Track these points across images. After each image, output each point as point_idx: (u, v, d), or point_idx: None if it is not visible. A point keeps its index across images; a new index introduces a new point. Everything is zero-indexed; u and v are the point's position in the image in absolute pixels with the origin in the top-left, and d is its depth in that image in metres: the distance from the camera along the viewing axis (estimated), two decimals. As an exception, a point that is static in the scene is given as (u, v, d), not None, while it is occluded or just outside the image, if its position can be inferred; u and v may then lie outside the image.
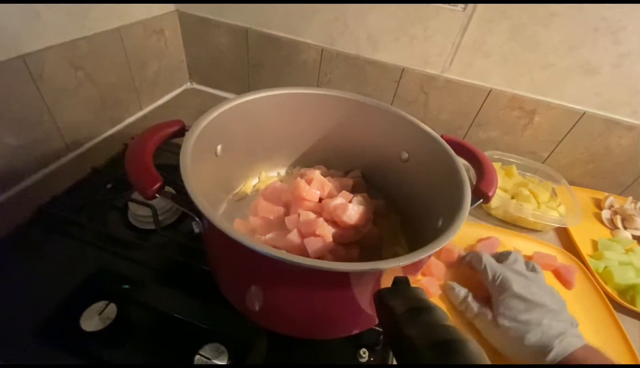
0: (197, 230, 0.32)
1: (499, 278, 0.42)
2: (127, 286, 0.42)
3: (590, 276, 0.54)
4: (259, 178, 0.54)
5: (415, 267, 0.34)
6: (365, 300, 0.34)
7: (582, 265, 0.56)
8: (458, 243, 0.54)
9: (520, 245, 0.58)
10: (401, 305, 0.24)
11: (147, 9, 0.69)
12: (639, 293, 0.52)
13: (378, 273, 0.30)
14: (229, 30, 0.76)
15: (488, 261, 0.45)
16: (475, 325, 0.44)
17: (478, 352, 0.20)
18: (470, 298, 0.44)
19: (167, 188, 0.46)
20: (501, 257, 0.47)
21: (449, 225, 0.31)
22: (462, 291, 0.45)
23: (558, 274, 0.54)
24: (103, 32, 0.60)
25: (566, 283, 0.53)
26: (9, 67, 0.47)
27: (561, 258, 0.57)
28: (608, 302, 0.50)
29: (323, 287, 0.31)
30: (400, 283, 0.26)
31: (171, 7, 0.75)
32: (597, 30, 0.56)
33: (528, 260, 0.54)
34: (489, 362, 0.20)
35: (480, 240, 0.56)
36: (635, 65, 0.58)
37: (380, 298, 0.25)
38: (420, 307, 0.24)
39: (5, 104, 0.48)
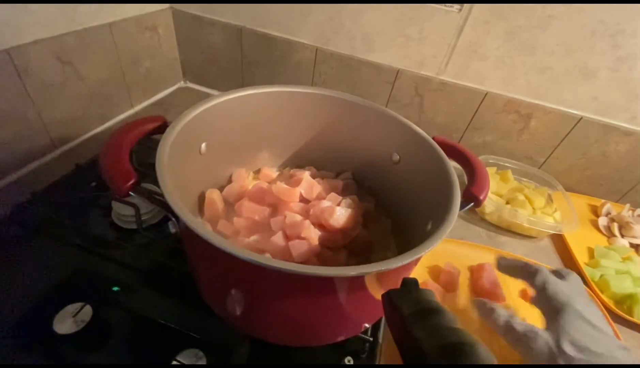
0: (173, 230, 0.31)
1: (558, 294, 0.35)
2: (116, 288, 0.41)
3: (600, 304, 0.49)
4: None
5: (402, 271, 0.33)
6: (350, 306, 0.32)
7: (592, 294, 0.51)
8: (458, 265, 0.51)
9: None
10: (409, 306, 0.23)
11: (140, 6, 0.68)
12: (636, 303, 0.50)
13: (362, 278, 0.29)
14: (223, 29, 0.75)
15: (547, 276, 0.37)
16: (517, 350, 0.35)
17: (487, 356, 0.19)
18: (516, 321, 0.35)
19: (149, 186, 0.44)
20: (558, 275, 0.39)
21: (436, 229, 0.29)
22: (503, 313, 0.36)
23: None
24: (93, 27, 0.59)
25: None
26: (-9, 61, 0.46)
27: None
28: (609, 318, 0.47)
29: (305, 292, 0.30)
30: (409, 284, 0.26)
31: (165, 4, 0.74)
32: (595, 33, 0.55)
33: None
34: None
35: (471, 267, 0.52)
36: (634, 70, 0.57)
37: (389, 299, 0.25)
38: (428, 309, 0.23)
39: (-14, 98, 0.47)
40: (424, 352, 0.20)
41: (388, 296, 0.25)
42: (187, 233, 0.29)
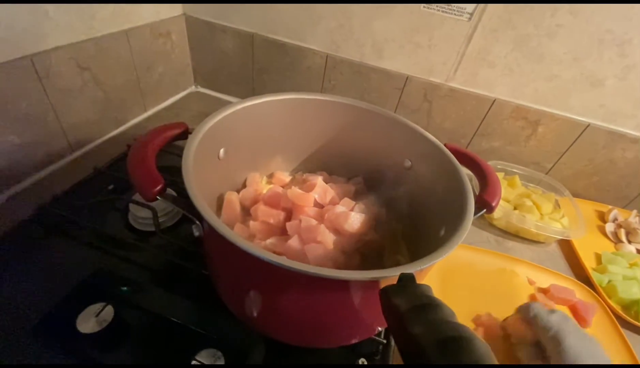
0: (196, 234, 0.32)
1: (553, 329, 0.38)
2: (125, 288, 0.42)
3: (610, 312, 0.50)
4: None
5: (418, 276, 0.33)
6: (364, 309, 0.33)
7: (601, 301, 0.52)
8: (468, 270, 0.52)
9: (534, 275, 0.55)
10: (406, 302, 0.23)
11: (155, 13, 0.70)
12: (644, 309, 0.51)
13: (378, 282, 0.30)
14: (235, 35, 0.77)
15: (537, 310, 0.41)
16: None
17: (485, 350, 0.19)
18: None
19: (169, 190, 0.46)
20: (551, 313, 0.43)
21: (451, 235, 0.30)
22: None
23: (574, 310, 0.50)
24: (110, 34, 0.61)
25: (581, 320, 0.49)
26: (15, 67, 0.48)
27: (580, 293, 0.53)
28: (628, 342, 0.47)
29: (322, 294, 0.31)
30: (406, 280, 0.25)
31: (178, 11, 0.76)
32: (603, 42, 0.56)
33: (544, 292, 0.52)
34: (495, 361, 0.19)
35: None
36: (641, 79, 0.58)
37: (386, 295, 0.25)
38: (425, 304, 0.23)
39: (10, 103, 0.48)
40: (422, 347, 0.20)
41: (385, 292, 0.25)
42: (211, 235, 0.30)
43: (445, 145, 0.42)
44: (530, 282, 0.54)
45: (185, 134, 0.37)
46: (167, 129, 0.36)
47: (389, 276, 0.26)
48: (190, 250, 0.46)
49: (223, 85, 0.87)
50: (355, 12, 0.66)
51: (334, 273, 0.26)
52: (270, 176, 0.54)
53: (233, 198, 0.44)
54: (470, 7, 0.59)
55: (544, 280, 0.54)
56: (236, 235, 0.26)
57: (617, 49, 0.56)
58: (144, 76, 0.71)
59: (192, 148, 0.33)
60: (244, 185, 0.50)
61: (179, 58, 0.81)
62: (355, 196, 0.50)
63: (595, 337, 0.39)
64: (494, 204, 0.35)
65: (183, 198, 0.30)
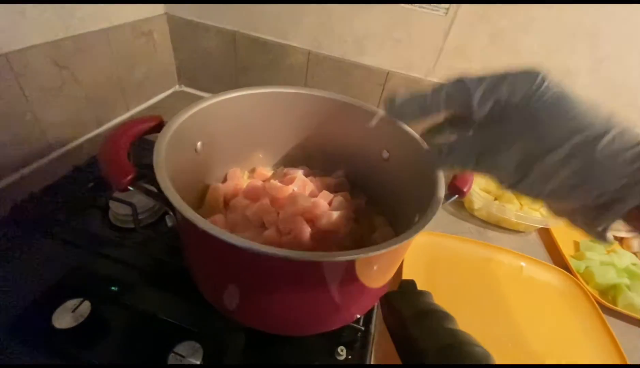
0: (170, 224, 0.32)
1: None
2: (115, 288, 0.42)
3: (591, 297, 0.52)
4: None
5: (387, 260, 0.34)
6: (340, 294, 0.34)
7: (583, 286, 0.53)
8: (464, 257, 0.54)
9: (520, 263, 0.56)
10: (408, 308, 0.24)
11: (136, 11, 0.69)
12: (620, 293, 0.52)
13: (351, 265, 0.30)
14: (217, 34, 0.77)
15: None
16: None
17: (487, 356, 0.20)
18: None
19: (146, 186, 0.45)
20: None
21: (421, 219, 0.31)
22: None
23: None
24: (90, 33, 0.61)
25: None
26: (-10, 65, 0.47)
27: (561, 279, 0.55)
28: (608, 325, 0.49)
29: (297, 280, 0.31)
30: (407, 286, 0.26)
31: (160, 10, 0.76)
32: (575, 35, 0.58)
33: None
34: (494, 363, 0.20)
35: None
36: (613, 70, 0.59)
37: (388, 301, 0.25)
38: (427, 311, 0.24)
39: (-15, 101, 0.48)
40: (423, 351, 0.21)
41: (387, 298, 0.26)
42: (184, 223, 0.30)
43: (420, 135, 0.43)
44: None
45: (160, 127, 0.37)
46: (141, 122, 0.36)
47: (358, 257, 0.27)
48: (169, 245, 0.46)
49: (207, 84, 0.87)
50: (336, 9, 0.67)
51: (305, 256, 0.26)
52: (252, 171, 0.54)
53: (219, 187, 0.44)
54: (446, 2, 0.60)
55: (528, 268, 0.56)
56: (205, 220, 0.26)
57: (588, 42, 0.58)
58: (125, 75, 0.71)
59: (165, 138, 0.33)
60: (225, 180, 0.50)
61: (162, 57, 0.81)
62: (336, 189, 0.51)
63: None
64: (465, 190, 0.36)
65: (158, 190, 0.30)
